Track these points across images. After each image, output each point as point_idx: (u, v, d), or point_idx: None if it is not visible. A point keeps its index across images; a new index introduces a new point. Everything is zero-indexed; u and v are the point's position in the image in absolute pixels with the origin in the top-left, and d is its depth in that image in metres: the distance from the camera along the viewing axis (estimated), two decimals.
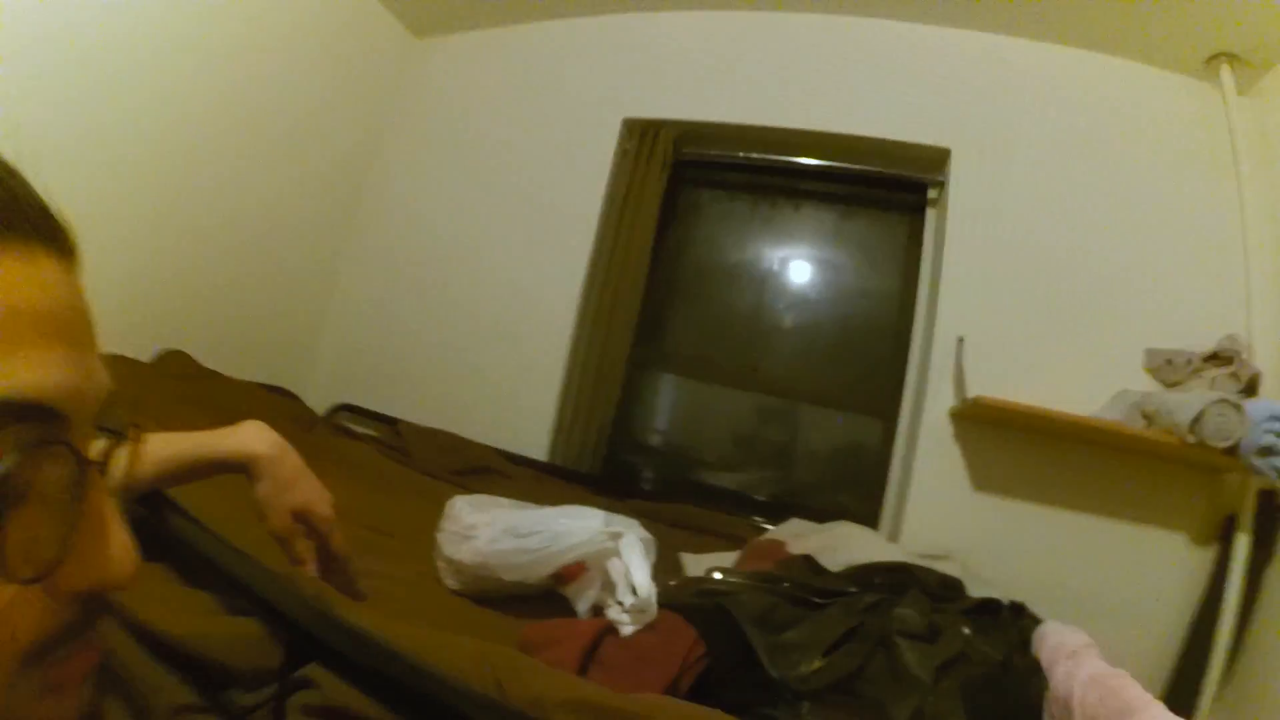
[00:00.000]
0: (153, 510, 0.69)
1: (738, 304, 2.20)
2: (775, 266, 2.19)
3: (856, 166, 2.02)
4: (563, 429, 2.10)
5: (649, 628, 0.83)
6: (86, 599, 0.29)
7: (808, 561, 1.18)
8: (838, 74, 2.02)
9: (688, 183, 2.26)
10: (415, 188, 2.53)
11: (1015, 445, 1.64)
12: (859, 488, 1.92)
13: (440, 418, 2.11)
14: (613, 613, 0.83)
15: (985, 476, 1.66)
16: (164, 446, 0.66)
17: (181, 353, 1.82)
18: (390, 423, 2.12)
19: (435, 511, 1.08)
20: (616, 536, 0.92)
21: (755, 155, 2.11)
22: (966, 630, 0.99)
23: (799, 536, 1.46)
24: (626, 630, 0.81)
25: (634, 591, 0.85)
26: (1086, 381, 1.58)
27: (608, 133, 2.21)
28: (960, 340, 1.70)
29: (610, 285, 2.11)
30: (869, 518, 1.80)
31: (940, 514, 1.67)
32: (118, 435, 0.34)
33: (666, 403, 2.28)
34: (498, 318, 2.28)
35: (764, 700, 0.81)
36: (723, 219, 2.26)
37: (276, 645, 0.58)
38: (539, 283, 2.24)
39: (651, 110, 2.17)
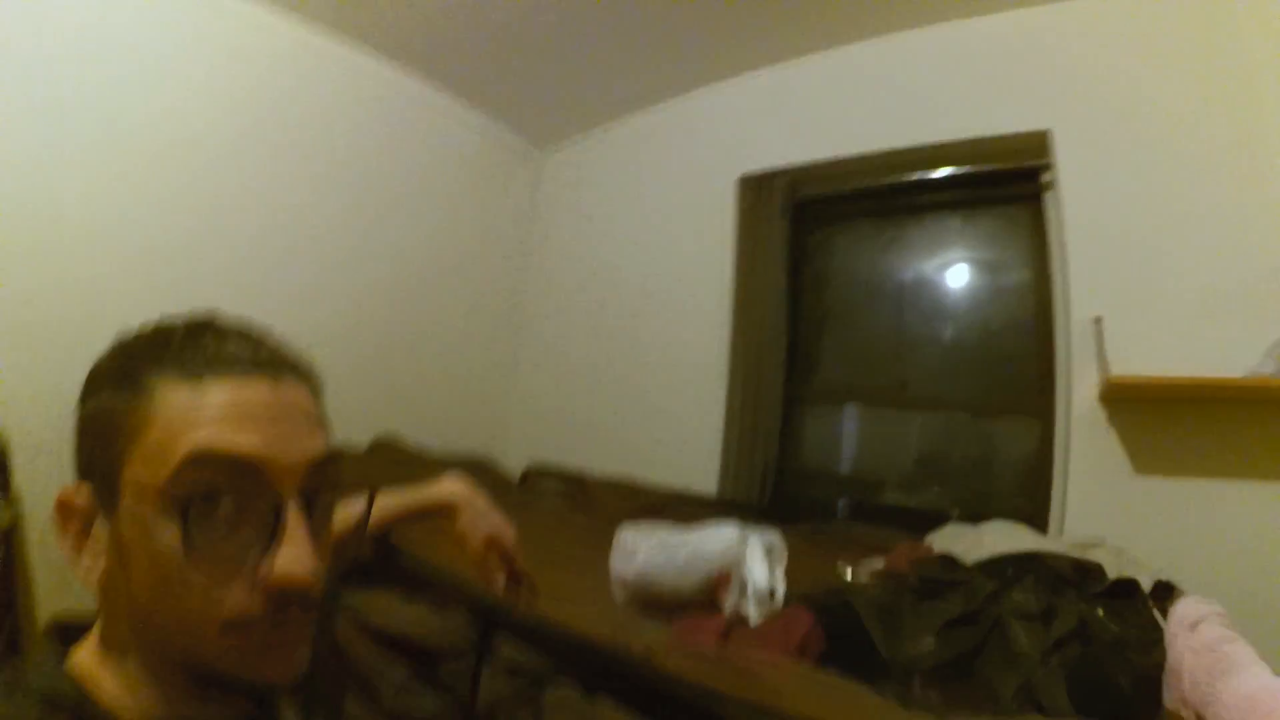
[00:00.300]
0: (383, 548, 1.01)
1: (878, 326, 2.29)
2: (910, 282, 2.25)
3: (966, 169, 2.07)
4: (729, 466, 2.30)
5: (773, 618, 1.00)
6: (275, 593, 0.44)
7: (942, 558, 1.27)
8: (923, 86, 2.10)
9: (810, 221, 2.41)
10: (568, 274, 2.97)
11: (1170, 421, 1.57)
12: (1026, 489, 1.91)
13: (622, 465, 2.38)
14: (741, 606, 1.02)
15: (1144, 458, 1.60)
16: (389, 499, 0.96)
17: (392, 436, 2.24)
18: (578, 479, 2.43)
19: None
20: (744, 542, 1.11)
21: (868, 183, 2.22)
22: (1100, 612, 1.04)
23: (950, 538, 1.53)
24: (753, 620, 0.99)
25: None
26: (1234, 342, 1.48)
27: (726, 193, 2.44)
28: (1097, 320, 1.67)
29: (754, 331, 2.31)
30: (1039, 517, 1.79)
31: (1102, 502, 1.63)
32: (327, 488, 0.50)
33: (826, 432, 2.40)
34: (658, 373, 2.57)
35: (879, 680, 0.93)
36: (851, 248, 2.38)
37: (472, 629, 0.85)
38: (690, 338, 2.50)
39: (761, 163, 2.37)
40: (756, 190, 2.36)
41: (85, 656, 0.48)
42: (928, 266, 2.25)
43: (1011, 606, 1.00)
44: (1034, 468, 1.90)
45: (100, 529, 0.47)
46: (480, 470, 2.39)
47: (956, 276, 2.21)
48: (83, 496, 0.47)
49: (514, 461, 2.65)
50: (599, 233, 2.87)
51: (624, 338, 2.69)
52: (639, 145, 2.81)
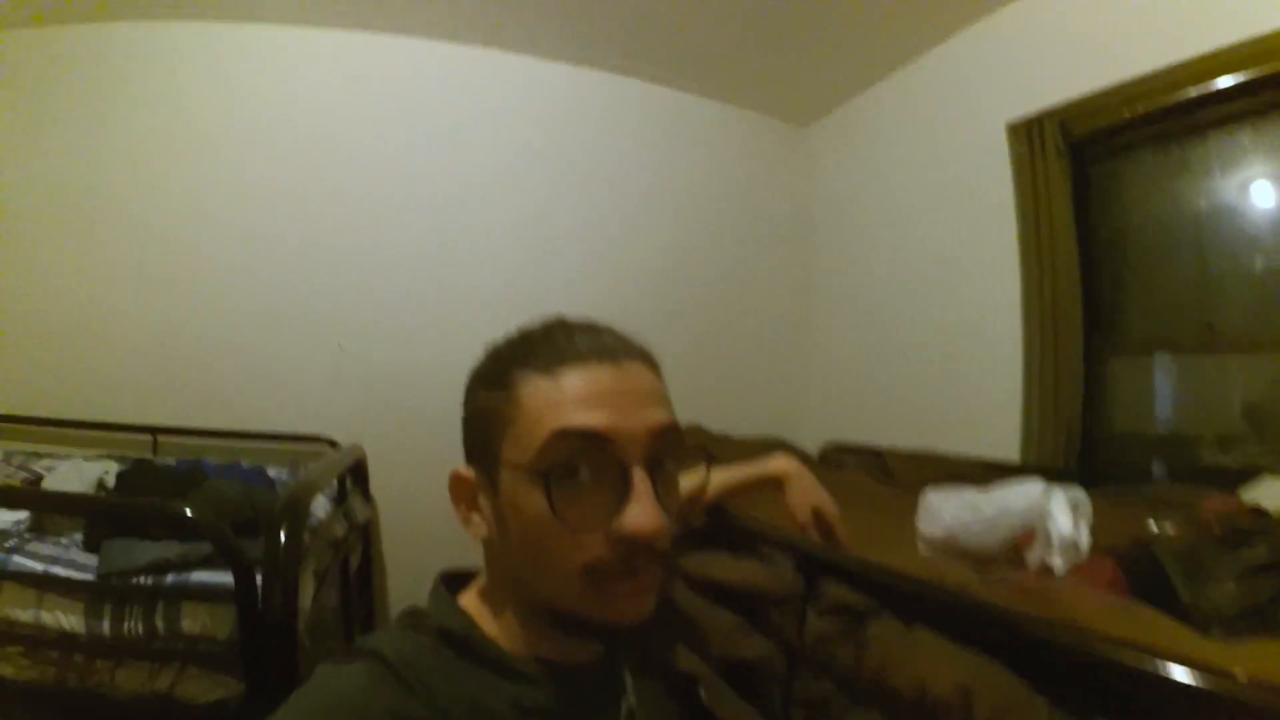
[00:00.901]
0: (715, 515, 1.25)
1: (1178, 263, 2.05)
2: (1205, 210, 1.99)
3: (1231, 77, 1.78)
4: (1031, 430, 2.22)
5: (1077, 568, 1.06)
6: (623, 543, 0.51)
7: (1252, 510, 1.19)
8: None
9: (1089, 160, 2.23)
10: (849, 248, 3.07)
11: None
12: None
13: (917, 439, 2.42)
14: (1046, 557, 1.09)
15: None
16: (723, 473, 1.15)
17: (694, 424, 2.43)
18: (876, 454, 2.51)
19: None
20: (1048, 495, 1.16)
21: (1145, 107, 1.99)
22: None
23: (1263, 491, 1.39)
24: (1058, 570, 1.06)
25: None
26: None
27: (996, 142, 2.35)
28: None
29: (1046, 282, 2.20)
30: None
31: None
32: (670, 455, 0.56)
33: (1134, 387, 2.19)
34: (950, 339, 2.56)
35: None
36: (1136, 182, 2.16)
37: (798, 577, 1.05)
38: (981, 296, 2.45)
39: (1027, 106, 2.25)
40: (1027, 135, 2.25)
41: (470, 600, 0.61)
42: (1220, 190, 1.96)
43: None
44: None
45: (485, 501, 0.58)
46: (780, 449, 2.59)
47: (1256, 197, 1.89)
48: (471, 475, 0.59)
49: (810, 442, 2.79)
50: (874, 202, 2.94)
51: (911, 306, 2.72)
52: (899, 107, 2.83)
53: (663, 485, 0.55)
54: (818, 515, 1.13)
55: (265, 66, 2.44)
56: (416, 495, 2.46)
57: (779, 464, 1.16)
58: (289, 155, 2.43)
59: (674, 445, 0.57)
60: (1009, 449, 2.25)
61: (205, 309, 2.34)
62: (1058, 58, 2.20)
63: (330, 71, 2.52)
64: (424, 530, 2.41)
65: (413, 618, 0.58)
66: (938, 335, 2.60)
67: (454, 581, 0.64)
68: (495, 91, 2.73)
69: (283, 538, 1.27)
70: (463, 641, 0.56)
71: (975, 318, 2.45)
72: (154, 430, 2.24)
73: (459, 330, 2.48)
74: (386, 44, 2.57)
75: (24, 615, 1.40)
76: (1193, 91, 1.90)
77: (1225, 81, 1.84)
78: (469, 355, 0.64)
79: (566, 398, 0.53)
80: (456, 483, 0.60)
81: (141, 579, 1.40)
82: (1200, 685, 0.58)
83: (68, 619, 1.40)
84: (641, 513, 0.51)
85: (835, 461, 2.58)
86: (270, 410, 2.36)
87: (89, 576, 1.42)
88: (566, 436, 0.52)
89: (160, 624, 1.39)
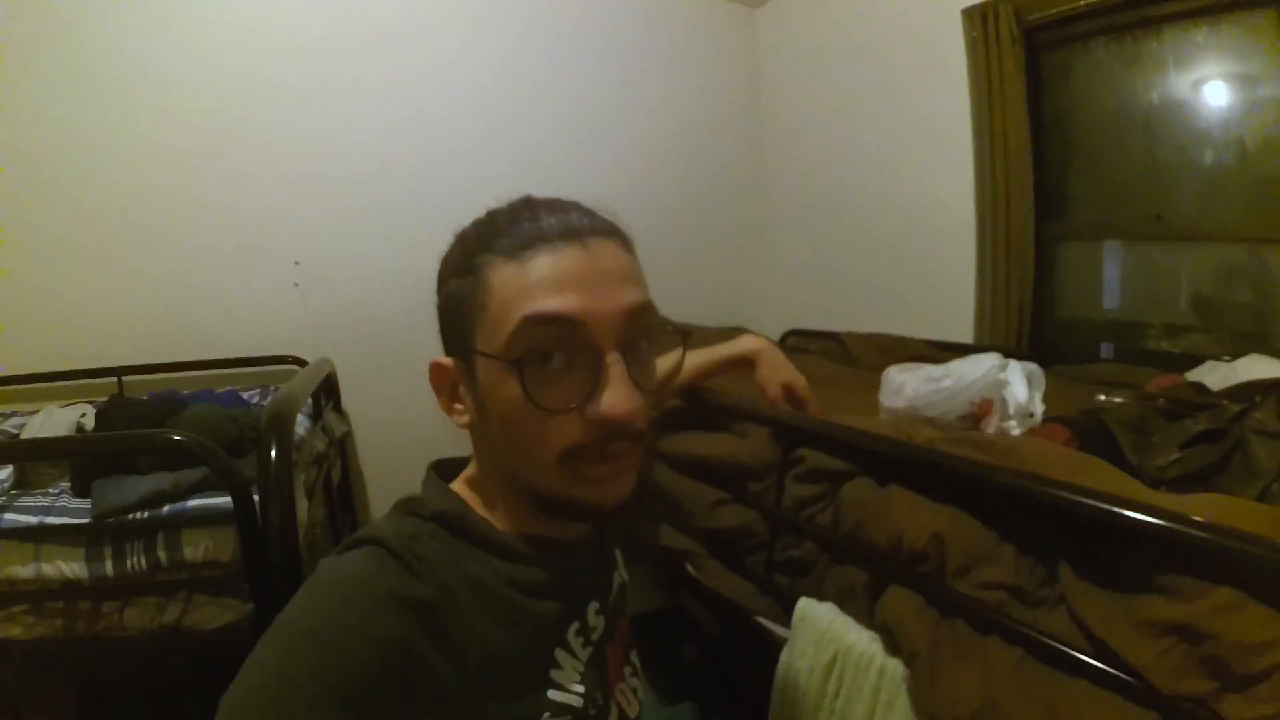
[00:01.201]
0: (690, 397, 1.32)
1: (1127, 155, 2.12)
2: (1157, 104, 2.04)
3: None
4: (984, 313, 2.33)
5: (1032, 432, 1.16)
6: (599, 426, 0.53)
7: (1192, 385, 1.30)
8: None
9: (1043, 48, 2.25)
10: (805, 134, 3.09)
11: None
12: None
13: (874, 325, 2.53)
14: (1004, 425, 1.19)
15: None
16: (694, 356, 1.20)
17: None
18: (833, 337, 2.61)
19: (877, 393, 1.52)
20: (1004, 368, 1.26)
21: None
22: None
23: (1205, 372, 1.50)
24: (1014, 434, 1.16)
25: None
26: None
27: (952, 28, 2.34)
28: None
29: (999, 168, 2.25)
30: None
31: None
32: (644, 336, 0.57)
33: (1084, 274, 2.30)
34: (906, 223, 2.63)
35: None
36: (1090, 72, 2.19)
37: (777, 447, 1.13)
38: (935, 182, 2.51)
39: None
40: (982, 20, 2.25)
41: (460, 485, 0.64)
42: (1173, 85, 2.00)
43: (1254, 425, 1.02)
44: None
45: (465, 390, 0.60)
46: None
47: (1207, 94, 1.95)
48: (450, 364, 0.60)
49: (770, 330, 2.88)
50: (827, 86, 2.94)
51: (867, 193, 2.77)
52: None
53: (637, 366, 0.56)
54: (788, 390, 1.20)
55: None
56: (386, 405, 2.50)
57: (749, 344, 1.23)
58: (226, 71, 2.28)
59: (648, 325, 0.57)
60: (963, 333, 2.36)
61: (155, 241, 2.23)
62: None
63: None
64: (397, 439, 2.49)
65: (409, 504, 0.60)
66: (893, 221, 2.67)
67: (445, 469, 0.66)
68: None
69: (273, 453, 1.29)
70: (458, 523, 0.57)
71: (929, 203, 2.52)
72: (119, 371, 2.18)
73: (414, 235, 2.45)
74: None
75: (24, 572, 1.39)
76: None
77: None
78: (425, 260, 0.64)
79: (534, 282, 0.53)
80: (436, 372, 0.61)
81: (137, 514, 1.40)
82: (1162, 524, 0.65)
83: (69, 566, 1.39)
84: (616, 395, 0.52)
85: (796, 348, 2.68)
86: (233, 336, 2.32)
87: (85, 520, 1.41)
88: (536, 322, 0.52)
89: (163, 555, 1.40)
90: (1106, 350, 2.21)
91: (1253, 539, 0.60)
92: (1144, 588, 0.68)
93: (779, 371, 1.20)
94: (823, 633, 1.00)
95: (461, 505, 0.59)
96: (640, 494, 0.63)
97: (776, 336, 2.81)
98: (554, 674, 0.57)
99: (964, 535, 0.85)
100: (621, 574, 0.76)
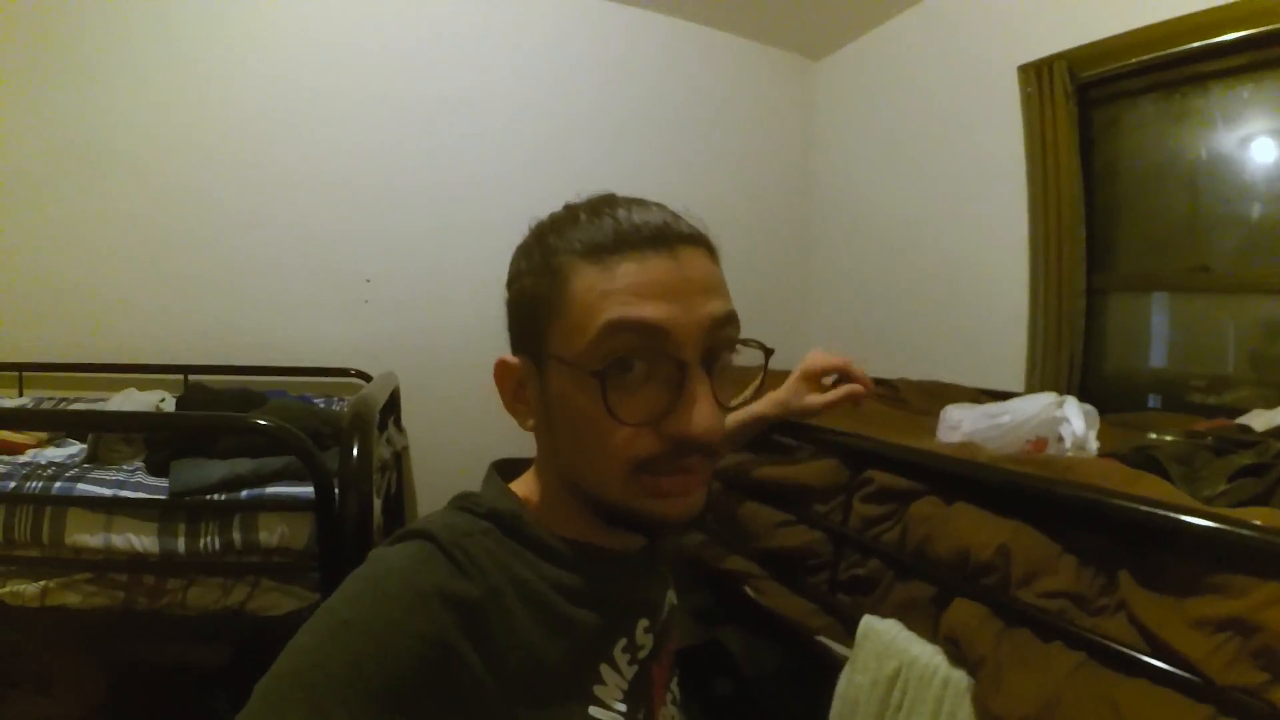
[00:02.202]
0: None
1: (1174, 208, 2.23)
2: (1203, 157, 2.15)
3: (1238, 33, 1.94)
4: (1035, 364, 2.43)
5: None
6: (678, 441, 0.52)
7: (1239, 425, 1.38)
8: None
9: (1095, 103, 2.39)
10: (857, 183, 3.25)
11: None
12: None
13: (922, 374, 2.60)
14: (1061, 455, 1.27)
15: None
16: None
17: None
18: (888, 384, 2.68)
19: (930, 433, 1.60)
20: (1061, 404, 1.34)
21: (1151, 56, 2.14)
22: None
23: (1251, 416, 1.57)
24: None
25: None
26: None
27: (1007, 83, 2.49)
28: None
29: (1051, 219, 2.37)
30: None
31: None
32: (727, 347, 0.57)
33: (1133, 326, 2.38)
34: (957, 274, 2.75)
35: None
36: (1139, 127, 2.32)
37: (844, 471, 1.22)
38: (987, 233, 2.64)
39: (1039, 50, 2.39)
40: (1037, 77, 2.39)
41: (521, 486, 0.63)
42: (1219, 139, 2.12)
43: None
44: None
45: (531, 390, 0.59)
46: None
47: (1253, 148, 2.06)
48: (517, 363, 0.59)
49: None
50: (881, 137, 3.11)
51: (917, 244, 2.90)
52: (910, 45, 2.97)
53: (718, 379, 0.56)
54: (842, 371, 1.15)
55: (273, 3, 2.49)
56: (442, 422, 2.63)
57: (773, 395, 1.14)
58: (304, 92, 2.50)
59: (730, 338, 0.57)
60: (1013, 384, 2.44)
61: (228, 249, 2.43)
62: (1068, 3, 2.34)
63: (344, 2, 2.58)
64: (450, 456, 2.60)
65: (465, 500, 0.60)
66: (944, 272, 2.79)
67: (507, 470, 0.66)
68: (516, 25, 2.83)
69: (355, 448, 1.40)
70: (512, 524, 0.57)
71: (981, 254, 2.64)
72: (186, 369, 2.34)
73: (475, 255, 2.64)
74: None
75: (93, 541, 1.44)
76: (1196, 43, 2.05)
77: (1228, 35, 1.98)
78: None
79: (620, 288, 0.52)
80: (502, 370, 0.60)
81: (215, 495, 1.48)
82: (1215, 526, 0.73)
83: (140, 540, 1.45)
84: (699, 412, 0.52)
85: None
86: (300, 347, 2.48)
87: (160, 497, 1.48)
88: (621, 329, 0.51)
89: (237, 537, 1.47)
90: (1153, 402, 2.27)
91: None
92: (1198, 589, 0.76)
93: (826, 360, 1.13)
94: (886, 646, 1.07)
95: (518, 505, 0.60)
96: (704, 513, 0.60)
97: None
98: (597, 690, 0.57)
99: (1028, 547, 0.94)
100: (671, 595, 0.75)
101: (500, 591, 0.52)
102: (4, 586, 1.44)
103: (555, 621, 0.55)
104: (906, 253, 2.95)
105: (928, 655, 1.01)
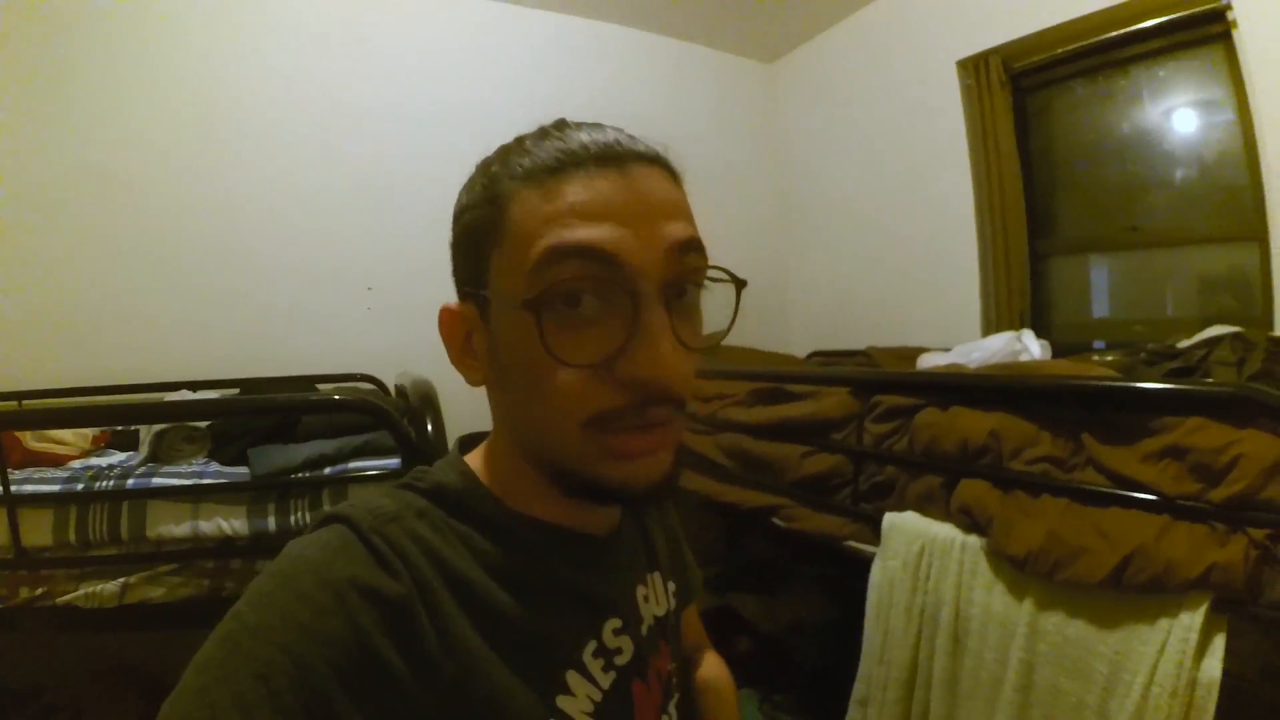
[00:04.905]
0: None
1: (1107, 177, 2.61)
2: (1127, 132, 2.53)
3: (1152, 21, 2.30)
4: (989, 323, 2.79)
5: None
6: (636, 388, 0.46)
7: (1168, 344, 1.74)
8: None
9: (1028, 90, 2.78)
10: (819, 175, 3.63)
11: None
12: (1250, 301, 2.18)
13: (890, 340, 2.93)
14: None
15: None
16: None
17: None
18: (860, 353, 2.97)
19: None
20: (1020, 337, 1.68)
21: (1072, 45, 2.52)
22: None
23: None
24: None
25: None
26: None
27: (947, 78, 2.87)
28: None
29: (994, 195, 2.75)
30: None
31: None
32: (691, 280, 0.50)
33: (1073, 283, 2.77)
34: (915, 248, 3.10)
35: None
36: (1070, 109, 2.72)
37: (855, 399, 1.53)
38: (940, 211, 2.98)
39: (975, 46, 2.76)
40: (975, 69, 2.77)
41: (476, 457, 0.57)
42: (1140, 116, 2.49)
43: (1216, 359, 1.46)
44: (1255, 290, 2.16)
45: (479, 340, 0.52)
46: (775, 357, 3.07)
47: (1168, 121, 2.42)
48: (461, 310, 0.53)
49: (795, 351, 3.33)
50: (839, 131, 3.47)
51: (878, 224, 3.25)
52: (859, 45, 3.33)
53: (682, 316, 0.49)
54: None
55: (275, 21, 2.66)
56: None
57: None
58: (305, 112, 2.68)
59: (696, 268, 0.50)
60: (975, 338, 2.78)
61: (237, 265, 2.58)
62: (1000, 2, 2.70)
63: (341, 20, 2.78)
64: None
65: (412, 475, 0.55)
66: (904, 247, 3.14)
67: (469, 442, 0.61)
68: (494, 40, 3.10)
69: (429, 423, 1.63)
70: (456, 500, 0.52)
71: (935, 230, 3.00)
72: (192, 385, 2.41)
73: None
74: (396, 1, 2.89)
75: (179, 530, 1.46)
76: (1116, 31, 2.41)
77: (1145, 23, 2.33)
78: None
79: (562, 209, 0.46)
80: (447, 320, 0.54)
81: (302, 474, 1.56)
82: (1150, 386, 1.07)
83: (230, 523, 1.48)
84: (655, 351, 0.45)
85: (823, 364, 3.09)
86: (307, 355, 2.64)
87: (248, 479, 1.54)
88: (562, 255, 0.45)
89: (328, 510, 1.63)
90: (1100, 345, 2.63)
91: (1205, 386, 1.01)
92: (1142, 434, 1.09)
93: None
94: (909, 532, 1.37)
95: (468, 479, 0.54)
96: (675, 484, 0.52)
97: (802, 356, 3.23)
98: (561, 701, 0.50)
99: (1012, 428, 1.25)
100: (668, 600, 0.68)
101: (427, 586, 0.46)
102: (78, 589, 1.45)
103: (499, 622, 0.49)
104: (870, 234, 3.31)
105: (946, 531, 1.32)
